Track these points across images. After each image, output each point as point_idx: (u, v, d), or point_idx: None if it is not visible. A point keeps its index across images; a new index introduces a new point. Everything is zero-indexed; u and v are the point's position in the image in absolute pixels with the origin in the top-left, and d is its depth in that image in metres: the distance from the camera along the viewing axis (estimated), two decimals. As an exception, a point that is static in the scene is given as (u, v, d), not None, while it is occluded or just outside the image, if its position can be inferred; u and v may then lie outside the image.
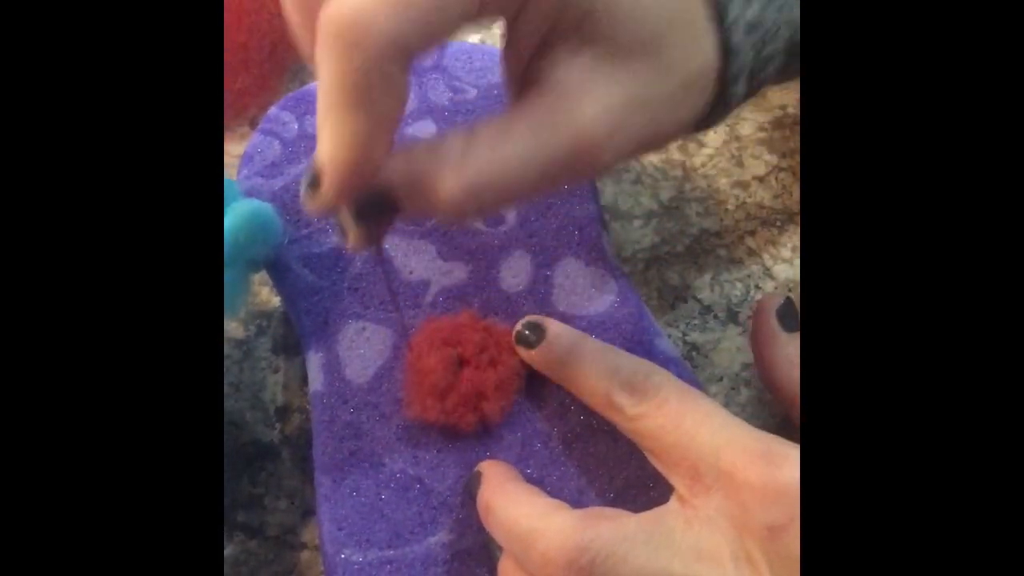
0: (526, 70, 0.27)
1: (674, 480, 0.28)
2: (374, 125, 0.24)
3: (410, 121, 0.37)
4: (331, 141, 0.24)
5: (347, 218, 0.27)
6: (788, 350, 0.32)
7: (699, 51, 0.27)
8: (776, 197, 0.42)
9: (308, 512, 0.36)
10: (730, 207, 0.42)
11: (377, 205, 0.26)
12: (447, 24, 0.24)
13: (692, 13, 0.27)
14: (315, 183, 0.25)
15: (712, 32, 0.27)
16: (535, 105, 0.26)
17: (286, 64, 0.45)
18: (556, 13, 0.26)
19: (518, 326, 0.32)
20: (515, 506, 0.29)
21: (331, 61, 0.23)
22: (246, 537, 0.36)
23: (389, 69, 0.23)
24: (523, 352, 0.32)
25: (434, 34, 0.24)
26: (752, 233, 0.41)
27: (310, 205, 0.26)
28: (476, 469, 0.31)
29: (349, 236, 0.27)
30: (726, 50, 0.28)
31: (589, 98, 0.26)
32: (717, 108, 0.29)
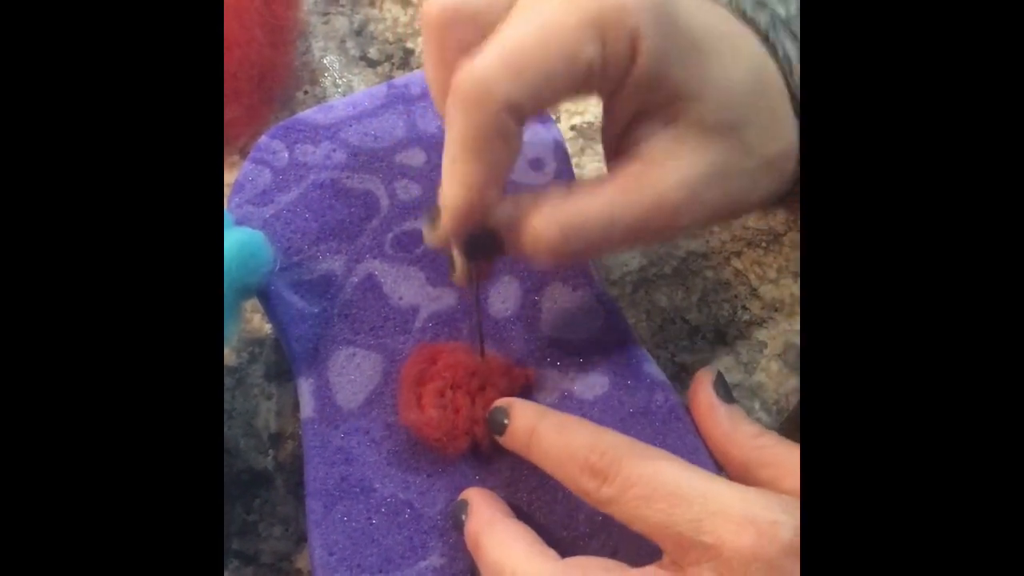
0: (621, 138, 0.31)
1: (662, 547, 0.28)
2: (488, 173, 0.28)
3: (399, 149, 0.38)
4: (453, 184, 0.28)
5: (457, 254, 0.31)
6: (733, 418, 0.32)
7: (779, 135, 0.31)
8: (760, 218, 0.42)
9: (302, 538, 0.36)
10: (716, 229, 0.42)
11: (484, 244, 0.30)
12: (554, 93, 0.28)
13: (775, 101, 0.31)
14: (434, 219, 0.30)
15: (792, 117, 0.31)
16: (626, 169, 0.30)
17: (275, 94, 0.45)
18: (648, 93, 0.29)
19: (493, 406, 0.32)
20: (501, 545, 0.29)
21: (457, 116, 0.27)
22: (241, 564, 0.36)
23: (503, 125, 0.27)
24: (496, 438, 0.32)
25: (543, 100, 0.28)
26: (738, 254, 0.42)
27: (428, 238, 0.31)
28: (462, 497, 0.31)
29: (456, 270, 0.31)
30: None
31: (672, 168, 0.29)
32: (798, 185, 0.32)
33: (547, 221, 0.29)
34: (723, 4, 0.31)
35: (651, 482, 0.27)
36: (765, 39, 0.31)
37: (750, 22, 0.31)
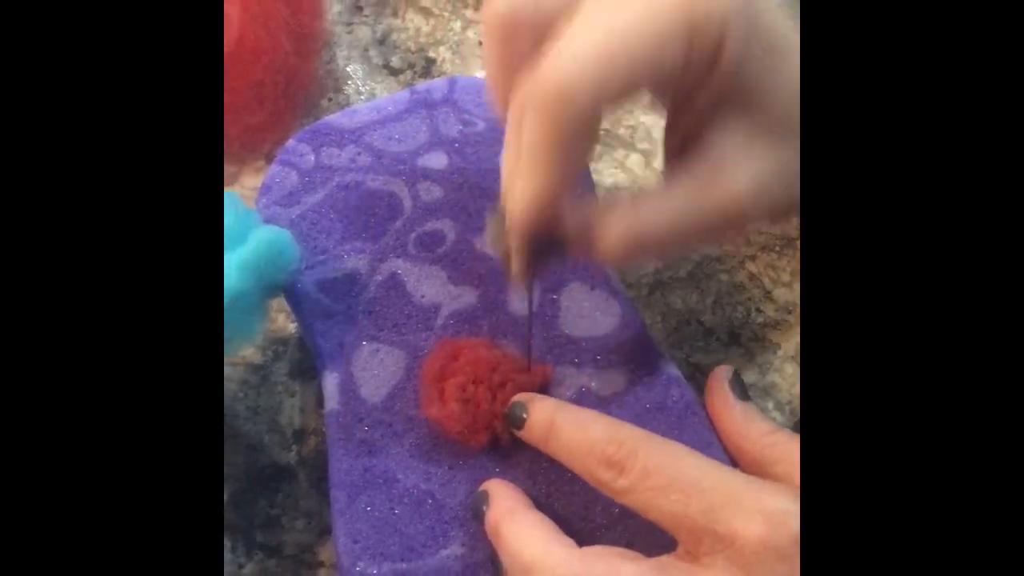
0: (686, 137, 0.31)
1: (677, 537, 0.28)
2: (567, 174, 0.28)
3: (422, 152, 0.39)
4: (528, 186, 0.28)
5: (518, 255, 0.30)
6: (747, 416, 0.33)
7: None
8: (774, 223, 0.43)
9: (325, 531, 0.37)
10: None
11: (549, 246, 0.30)
12: (634, 92, 0.27)
13: None
14: (500, 226, 0.30)
15: None
16: (694, 170, 0.30)
17: (300, 101, 0.46)
18: (723, 92, 0.29)
19: (510, 404, 0.33)
20: (521, 534, 0.30)
21: (541, 120, 0.27)
22: (265, 556, 0.37)
23: (587, 126, 0.27)
24: (515, 432, 0.33)
25: (625, 98, 0.27)
26: (752, 258, 0.42)
27: (493, 245, 0.31)
28: (482, 488, 0.32)
29: (513, 269, 0.31)
30: None
31: (742, 168, 0.29)
32: None
33: (618, 229, 0.29)
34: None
35: (667, 473, 0.28)
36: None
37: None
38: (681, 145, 0.31)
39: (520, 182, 0.28)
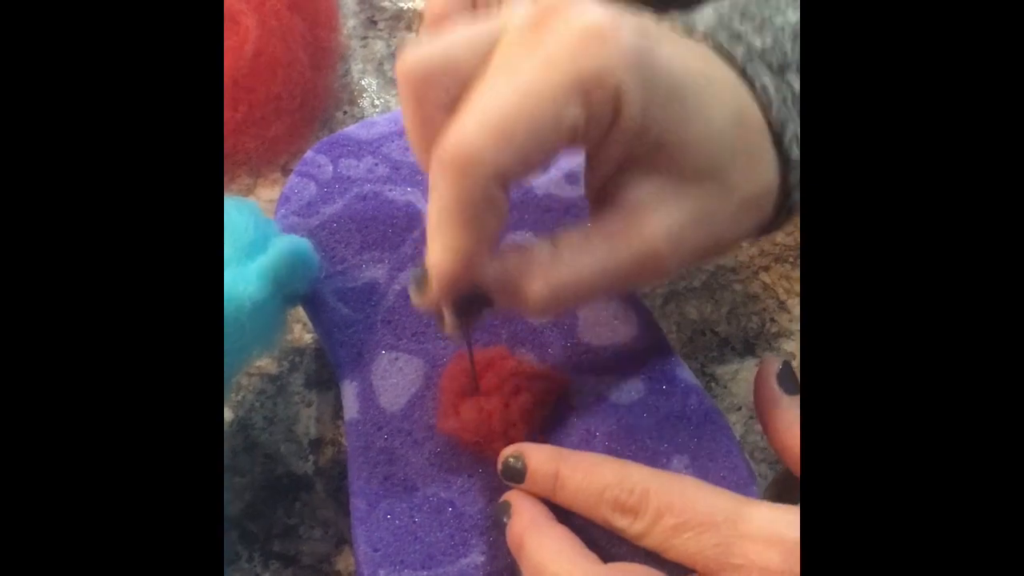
0: (603, 188, 0.31)
1: (697, 572, 0.28)
2: (477, 239, 0.28)
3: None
4: (440, 251, 0.28)
5: (446, 311, 0.31)
6: (792, 413, 0.32)
7: (761, 173, 0.31)
8: (788, 234, 0.43)
9: (342, 540, 0.37)
10: (744, 244, 0.43)
11: (473, 303, 0.30)
12: (540, 157, 0.27)
13: (755, 139, 0.30)
14: (421, 284, 0.30)
15: (772, 152, 0.31)
16: (610, 221, 0.30)
17: (316, 114, 0.47)
18: (632, 144, 0.29)
19: (502, 457, 0.32)
20: (545, 548, 0.30)
21: (444, 185, 0.27)
22: (282, 566, 0.37)
23: (491, 193, 0.27)
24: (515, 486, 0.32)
25: (530, 165, 0.28)
26: (766, 269, 0.43)
27: (417, 301, 0.30)
28: (505, 498, 0.32)
29: (446, 325, 0.31)
30: (785, 165, 0.31)
31: (656, 217, 0.29)
32: (780, 216, 0.32)
33: (538, 284, 0.29)
34: (698, 39, 0.31)
35: (680, 511, 0.28)
36: (742, 73, 0.31)
37: (726, 56, 0.31)
38: (599, 195, 0.31)
39: (434, 243, 0.28)
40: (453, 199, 0.27)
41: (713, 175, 0.30)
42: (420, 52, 0.28)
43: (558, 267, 0.29)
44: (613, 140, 0.28)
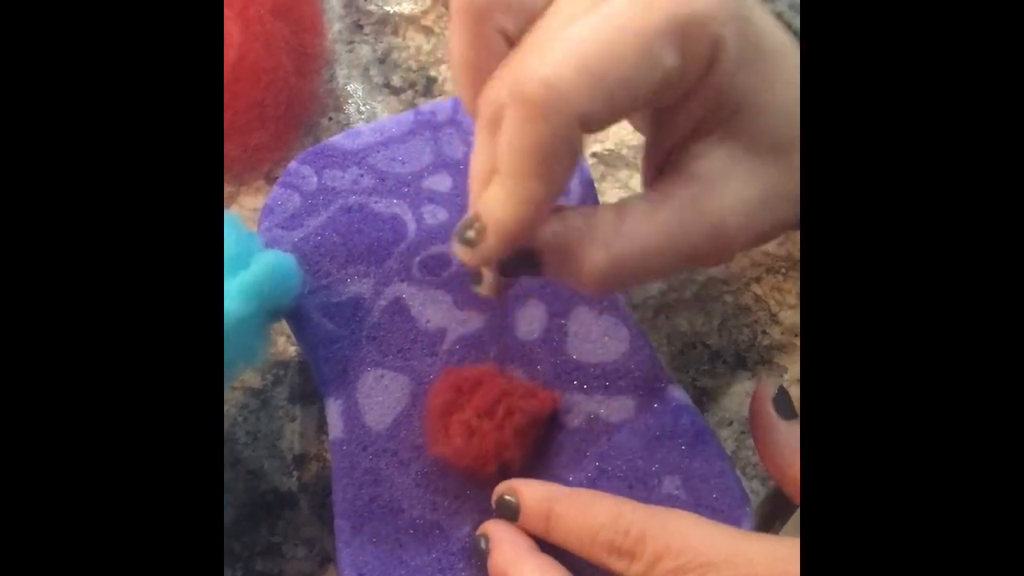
0: (669, 155, 0.29)
1: None
2: (549, 189, 0.26)
3: (426, 174, 0.38)
4: (507, 199, 0.26)
5: (490, 269, 0.29)
6: (789, 438, 0.31)
7: None
8: (780, 245, 0.43)
9: (326, 559, 0.37)
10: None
11: (524, 263, 0.28)
12: (629, 104, 0.25)
13: None
14: (475, 236, 0.27)
15: None
16: (680, 191, 0.28)
17: (301, 121, 0.46)
18: (712, 106, 0.27)
19: (496, 494, 0.31)
20: None
21: (521, 128, 0.24)
22: (264, 585, 0.36)
23: (573, 138, 0.25)
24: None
25: (617, 112, 0.25)
26: (758, 280, 0.42)
27: (465, 256, 0.28)
28: (481, 531, 0.31)
29: (484, 284, 0.29)
30: None
31: (728, 190, 0.28)
32: None
33: (599, 253, 0.27)
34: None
35: (678, 553, 0.27)
36: (788, 27, 0.29)
37: (786, 24, 0.29)
38: (662, 164, 0.29)
39: (498, 191, 0.26)
40: (530, 141, 0.24)
41: (782, 151, 0.28)
42: None
43: (623, 238, 0.27)
44: (699, 96, 0.27)
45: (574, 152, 0.25)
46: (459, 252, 0.28)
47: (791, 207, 0.29)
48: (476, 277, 0.29)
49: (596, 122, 0.25)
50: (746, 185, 0.28)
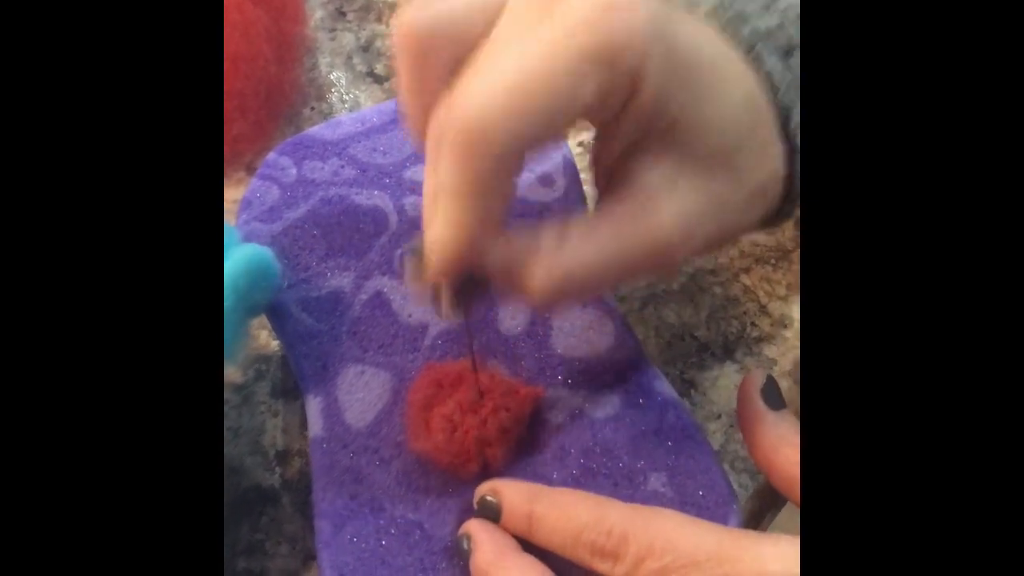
0: (611, 173, 0.30)
1: None
2: (483, 216, 0.26)
3: (408, 165, 0.38)
4: (445, 227, 0.26)
5: (445, 292, 0.29)
6: (778, 429, 0.31)
7: (768, 160, 0.29)
8: (770, 235, 0.42)
9: (309, 557, 0.36)
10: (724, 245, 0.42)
11: (473, 285, 0.29)
12: (555, 131, 0.26)
13: (763, 125, 0.29)
14: (419, 262, 0.28)
15: (778, 140, 0.29)
16: (619, 207, 0.28)
17: (282, 111, 0.45)
18: (647, 122, 0.27)
19: (477, 495, 0.31)
20: None
21: (455, 159, 0.25)
22: (246, 584, 0.36)
23: (502, 167, 0.25)
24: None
25: (543, 139, 0.26)
26: (747, 271, 0.42)
27: (412, 280, 0.29)
28: (463, 531, 0.31)
29: (443, 307, 0.30)
30: (791, 152, 0.30)
31: (668, 203, 0.28)
32: (785, 206, 0.31)
33: (542, 271, 0.27)
34: (701, 18, 0.30)
35: (661, 553, 0.27)
36: (748, 54, 0.29)
37: (731, 36, 0.30)
38: (607, 179, 0.30)
39: (439, 215, 0.27)
40: (461, 172, 0.25)
41: (726, 161, 0.28)
42: (422, 12, 0.26)
43: (563, 254, 0.28)
44: (628, 117, 0.27)
45: (510, 175, 0.26)
46: (405, 273, 0.29)
47: (738, 216, 0.30)
48: (436, 303, 0.30)
49: (524, 150, 0.26)
50: (686, 198, 0.28)
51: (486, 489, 0.31)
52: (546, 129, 0.25)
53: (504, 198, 0.27)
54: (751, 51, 0.29)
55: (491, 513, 0.30)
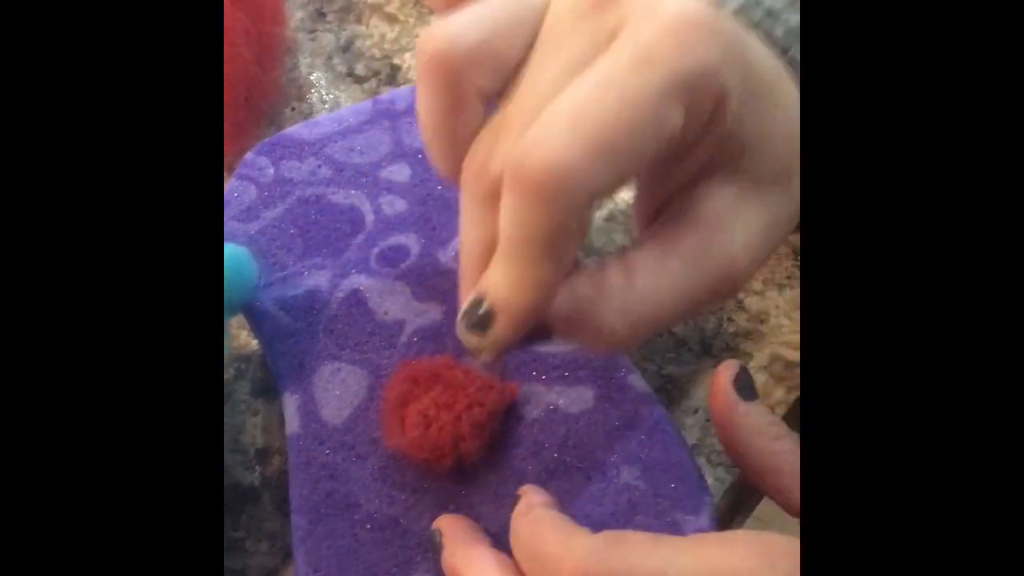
0: (669, 200, 0.28)
1: None
2: (559, 270, 0.24)
3: (384, 164, 0.38)
4: (515, 287, 0.24)
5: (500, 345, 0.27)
6: (750, 420, 0.30)
7: None
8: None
9: (289, 554, 0.36)
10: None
11: (533, 335, 0.27)
12: (636, 170, 0.24)
13: None
14: (484, 324, 0.25)
15: None
16: (688, 237, 0.27)
17: (262, 111, 0.45)
18: (716, 150, 0.26)
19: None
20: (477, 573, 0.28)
21: (527, 212, 0.23)
22: (227, 581, 0.36)
23: (583, 217, 0.24)
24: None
25: (625, 181, 0.24)
26: (724, 267, 0.42)
27: (477, 345, 0.26)
28: (435, 526, 0.31)
29: (484, 355, 0.27)
30: None
31: (737, 228, 0.27)
32: None
33: (618, 315, 0.26)
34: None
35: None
36: (783, 55, 0.28)
37: (764, 36, 0.28)
38: (659, 209, 0.28)
39: (506, 274, 0.25)
40: (539, 224, 0.23)
41: (781, 180, 0.27)
42: (451, 35, 0.24)
43: (635, 294, 0.26)
44: (704, 143, 0.26)
45: (584, 227, 0.24)
46: (468, 340, 0.26)
47: (787, 230, 0.29)
48: (469, 345, 0.28)
49: (612, 190, 0.24)
50: (751, 220, 0.27)
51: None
52: (633, 168, 0.24)
53: (577, 245, 0.25)
54: (786, 54, 0.28)
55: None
